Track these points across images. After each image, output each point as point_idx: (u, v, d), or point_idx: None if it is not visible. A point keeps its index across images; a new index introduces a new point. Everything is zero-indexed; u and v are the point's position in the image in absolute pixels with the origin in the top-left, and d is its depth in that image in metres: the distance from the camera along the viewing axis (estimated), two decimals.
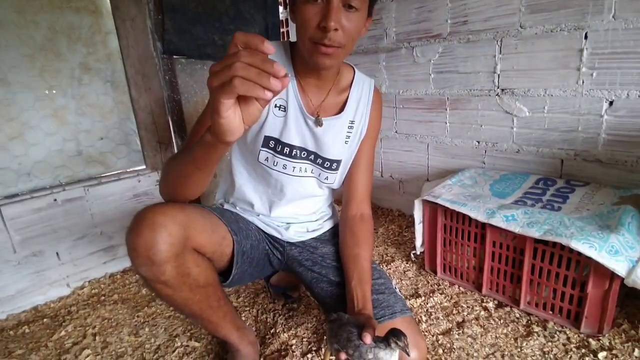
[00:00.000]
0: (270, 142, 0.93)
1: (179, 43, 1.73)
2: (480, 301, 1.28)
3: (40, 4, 1.43)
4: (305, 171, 0.98)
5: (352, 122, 0.98)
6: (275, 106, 0.91)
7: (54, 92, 1.51)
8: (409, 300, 1.30)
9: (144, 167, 1.78)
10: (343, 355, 0.71)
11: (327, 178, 1.00)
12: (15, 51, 1.40)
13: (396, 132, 1.96)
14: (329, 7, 0.74)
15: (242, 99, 0.53)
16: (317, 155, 0.97)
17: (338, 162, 0.99)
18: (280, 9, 2.11)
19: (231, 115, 0.53)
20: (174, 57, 1.76)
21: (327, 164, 0.98)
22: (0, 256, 1.37)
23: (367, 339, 0.68)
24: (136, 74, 1.68)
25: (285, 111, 0.92)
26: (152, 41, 1.68)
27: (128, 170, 1.73)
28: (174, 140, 1.81)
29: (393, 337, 0.68)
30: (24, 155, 1.46)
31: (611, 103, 1.27)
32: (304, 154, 0.96)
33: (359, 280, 0.89)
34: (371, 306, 0.85)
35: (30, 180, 1.49)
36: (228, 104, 0.51)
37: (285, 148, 0.94)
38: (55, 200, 1.47)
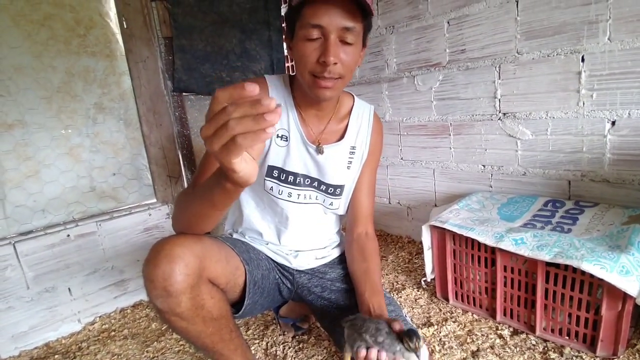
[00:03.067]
0: (274, 172, 0.95)
1: (189, 81, 1.80)
2: (495, 329, 1.25)
3: (57, 49, 1.52)
4: (310, 198, 1.00)
5: (353, 147, 1.01)
6: (278, 136, 0.94)
7: (70, 131, 1.57)
8: (421, 329, 1.27)
9: (154, 200, 1.81)
10: (363, 352, 0.71)
11: (331, 204, 1.02)
12: (33, 94, 1.47)
13: (402, 158, 1.98)
14: (327, 43, 0.79)
15: None
16: (320, 182, 0.99)
17: (341, 187, 1.01)
18: (285, 45, 2.20)
19: (244, 166, 0.52)
20: (184, 94, 1.83)
21: (331, 190, 1.00)
22: (14, 292, 1.39)
23: (398, 326, 0.70)
24: (148, 112, 1.74)
25: (287, 140, 0.95)
26: (163, 80, 1.76)
27: (139, 204, 1.77)
28: (183, 174, 1.85)
29: (406, 336, 0.68)
30: (39, 192, 1.51)
31: (613, 123, 1.28)
32: (307, 181, 0.98)
33: (373, 291, 0.90)
34: (387, 314, 0.86)
35: (45, 216, 1.53)
36: (238, 161, 0.51)
37: (290, 176, 0.96)
38: (68, 235, 1.50)
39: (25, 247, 1.41)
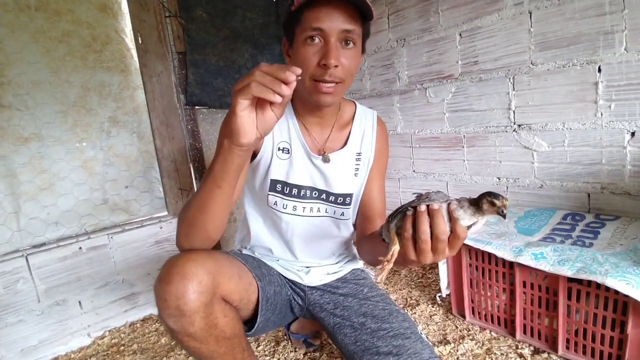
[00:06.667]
0: (277, 185, 0.94)
1: (201, 95, 1.82)
2: (514, 347, 1.20)
3: (74, 64, 1.55)
4: (319, 211, 0.98)
5: (359, 154, 1.00)
6: (279, 149, 0.93)
7: (84, 144, 1.59)
8: (437, 347, 1.23)
9: (165, 213, 1.81)
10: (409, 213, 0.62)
11: (342, 214, 1.01)
12: (49, 108, 1.50)
13: (414, 171, 1.95)
14: (328, 46, 0.78)
15: (259, 107, 0.62)
16: (328, 193, 0.97)
17: (350, 196, 1.00)
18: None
19: (245, 115, 0.60)
20: (196, 107, 1.85)
21: (340, 200, 0.98)
22: (25, 305, 1.39)
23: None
24: (160, 125, 1.76)
25: (289, 152, 0.94)
26: (176, 94, 1.78)
27: (151, 217, 1.77)
28: (195, 187, 1.85)
29: (487, 195, 0.56)
30: (53, 205, 1.52)
31: (633, 134, 1.25)
32: (315, 193, 0.97)
33: None
34: None
35: (58, 229, 1.53)
36: (244, 104, 0.59)
37: (293, 189, 0.95)
38: (80, 248, 1.51)
39: (37, 259, 1.41)
